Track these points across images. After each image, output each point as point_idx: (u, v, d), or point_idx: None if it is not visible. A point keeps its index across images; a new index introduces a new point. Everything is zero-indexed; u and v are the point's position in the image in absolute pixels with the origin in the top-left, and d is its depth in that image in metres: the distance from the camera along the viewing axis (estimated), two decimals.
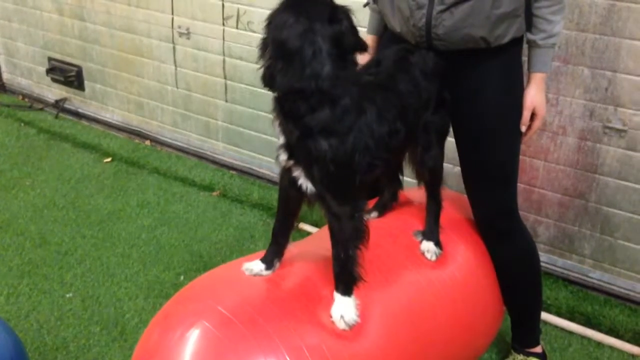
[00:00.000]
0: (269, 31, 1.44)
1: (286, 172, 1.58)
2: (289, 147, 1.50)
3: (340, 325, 1.53)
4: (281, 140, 1.52)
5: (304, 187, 1.53)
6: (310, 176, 1.50)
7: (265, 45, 1.45)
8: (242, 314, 1.49)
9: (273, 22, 1.44)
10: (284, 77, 1.40)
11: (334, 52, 1.41)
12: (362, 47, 1.51)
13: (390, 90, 1.65)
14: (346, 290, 1.56)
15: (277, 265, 1.68)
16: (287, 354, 1.44)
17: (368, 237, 1.58)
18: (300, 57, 1.38)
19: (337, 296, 1.56)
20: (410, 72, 1.73)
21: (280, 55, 1.40)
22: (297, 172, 1.52)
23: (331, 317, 1.54)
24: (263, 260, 1.67)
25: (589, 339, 2.40)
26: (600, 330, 2.43)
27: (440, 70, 1.78)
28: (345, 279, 1.56)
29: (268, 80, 1.45)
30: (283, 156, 1.53)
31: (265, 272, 1.66)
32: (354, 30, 1.48)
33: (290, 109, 1.44)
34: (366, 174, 1.57)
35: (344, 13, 1.46)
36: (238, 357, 1.42)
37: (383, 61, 1.75)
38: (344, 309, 1.54)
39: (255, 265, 1.66)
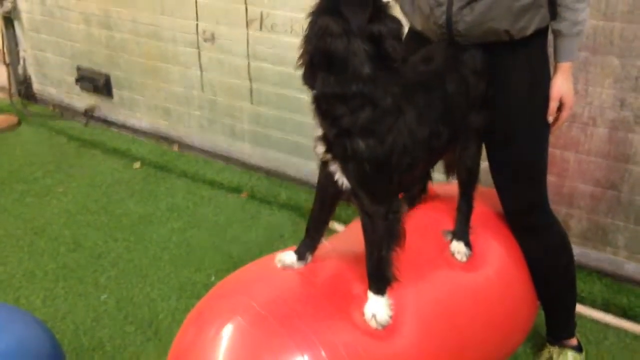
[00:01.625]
0: (309, 32, 1.43)
1: (324, 165, 1.58)
2: (327, 141, 1.50)
3: (372, 324, 1.53)
4: (318, 132, 1.51)
5: (340, 182, 1.53)
6: (346, 172, 1.50)
7: (305, 44, 1.44)
8: (276, 311, 1.50)
9: (313, 23, 1.43)
10: (324, 81, 1.42)
11: (373, 52, 1.40)
12: (400, 57, 1.46)
13: (435, 90, 1.62)
14: (379, 290, 1.56)
15: (310, 258, 1.68)
16: (323, 350, 1.44)
17: (404, 239, 1.57)
18: (339, 62, 1.39)
19: (370, 295, 1.56)
20: (460, 71, 1.70)
21: (321, 60, 1.41)
22: (334, 167, 1.52)
23: (364, 315, 1.54)
24: (296, 252, 1.68)
25: (625, 331, 2.36)
26: (636, 322, 2.39)
27: (487, 69, 1.76)
28: (378, 279, 1.56)
29: (308, 81, 1.46)
30: (320, 149, 1.52)
31: (297, 264, 1.66)
32: (395, 34, 1.44)
33: (328, 110, 1.45)
34: (405, 173, 1.56)
35: (387, 13, 1.44)
36: (274, 354, 1.42)
37: (434, 58, 1.71)
38: (376, 308, 1.54)
39: (287, 257, 1.67)
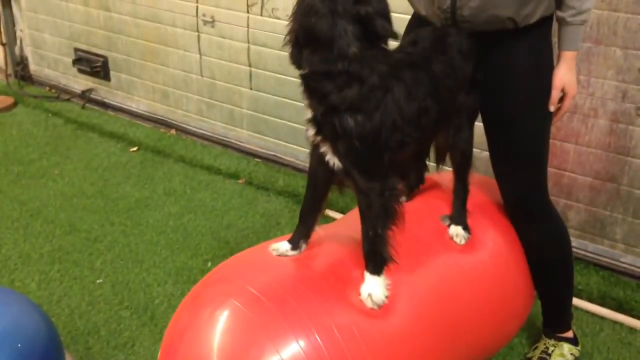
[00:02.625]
0: (296, 10, 1.45)
1: (315, 150, 1.58)
2: (316, 122, 1.51)
3: (368, 303, 1.53)
4: (308, 114, 1.52)
5: (331, 163, 1.53)
6: (336, 152, 1.51)
7: (292, 22, 1.46)
8: (271, 294, 1.50)
9: (300, 1, 1.45)
10: (311, 60, 1.44)
11: (359, 32, 1.42)
12: (391, 34, 1.49)
13: (422, 69, 1.63)
14: (375, 269, 1.56)
15: (304, 246, 1.68)
16: (316, 333, 1.44)
17: (400, 218, 1.57)
18: (326, 40, 1.40)
19: (367, 275, 1.56)
20: (446, 52, 1.71)
21: (307, 38, 1.43)
22: (325, 148, 1.52)
23: (360, 295, 1.54)
24: (290, 241, 1.68)
25: (621, 324, 2.36)
26: (632, 316, 2.39)
27: (474, 50, 1.76)
28: (374, 257, 1.56)
29: (295, 60, 1.48)
30: (311, 131, 1.53)
31: (291, 253, 1.66)
32: (383, 13, 1.46)
33: (316, 88, 1.46)
34: (397, 151, 1.57)
35: None
36: (268, 336, 1.43)
37: (420, 41, 1.73)
38: (372, 288, 1.54)
39: (281, 246, 1.67)
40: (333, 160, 1.52)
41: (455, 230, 1.84)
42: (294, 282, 1.58)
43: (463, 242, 1.83)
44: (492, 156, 1.92)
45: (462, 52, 1.73)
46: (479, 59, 1.77)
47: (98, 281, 2.58)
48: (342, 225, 1.91)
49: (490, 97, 1.83)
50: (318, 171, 1.63)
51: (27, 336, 1.77)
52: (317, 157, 1.59)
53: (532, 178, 1.91)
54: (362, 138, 1.46)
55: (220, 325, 1.46)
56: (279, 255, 1.66)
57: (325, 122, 1.48)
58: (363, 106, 1.46)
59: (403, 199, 1.97)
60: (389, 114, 1.50)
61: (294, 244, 1.67)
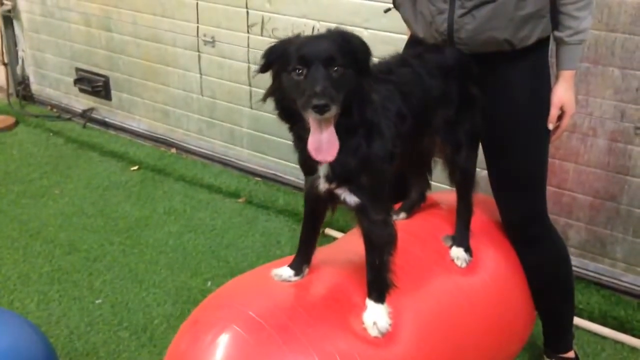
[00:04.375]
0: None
1: (311, 182, 1.56)
2: (332, 174, 1.49)
3: (373, 332, 1.51)
4: (321, 172, 1.50)
5: (348, 200, 1.51)
6: (355, 189, 1.49)
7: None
8: (272, 319, 1.49)
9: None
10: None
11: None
12: None
13: (387, 80, 1.63)
14: (379, 298, 1.55)
15: (306, 271, 1.67)
16: (318, 359, 1.42)
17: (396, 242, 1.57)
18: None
19: (370, 303, 1.55)
20: (412, 65, 1.71)
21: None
22: (340, 191, 1.51)
23: (363, 323, 1.53)
24: (291, 266, 1.66)
25: (622, 344, 2.35)
26: (633, 335, 2.38)
27: (463, 68, 1.76)
28: (379, 286, 1.56)
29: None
30: (324, 185, 1.51)
31: (294, 278, 1.65)
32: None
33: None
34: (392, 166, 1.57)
35: None
36: None
37: (391, 61, 1.74)
38: (376, 316, 1.53)
39: (284, 272, 1.65)
40: (351, 198, 1.51)
41: (457, 253, 1.83)
42: (295, 307, 1.56)
43: (464, 265, 1.82)
44: (490, 178, 1.93)
45: (442, 67, 1.73)
46: (471, 76, 1.77)
47: (97, 301, 2.57)
48: (342, 247, 1.90)
49: (487, 119, 1.83)
50: (315, 200, 1.63)
51: (25, 358, 1.77)
52: (313, 189, 1.57)
53: (531, 201, 1.91)
54: (378, 158, 1.49)
55: (221, 351, 1.44)
56: (283, 281, 1.65)
57: (339, 167, 1.46)
58: (373, 125, 1.48)
59: (403, 215, 1.98)
60: (387, 126, 1.52)
61: (296, 269, 1.66)
